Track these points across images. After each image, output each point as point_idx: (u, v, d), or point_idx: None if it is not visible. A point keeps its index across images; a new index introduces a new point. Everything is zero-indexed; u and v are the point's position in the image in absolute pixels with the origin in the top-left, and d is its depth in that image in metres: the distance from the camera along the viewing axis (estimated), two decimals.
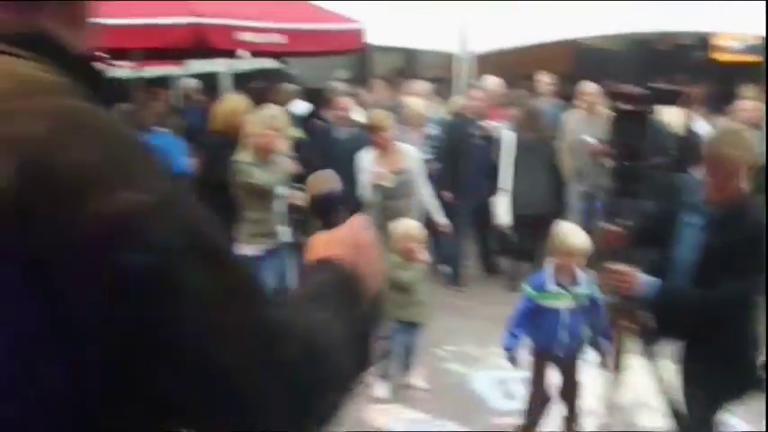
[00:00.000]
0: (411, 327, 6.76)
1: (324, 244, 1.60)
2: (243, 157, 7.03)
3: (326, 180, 1.70)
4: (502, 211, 9.87)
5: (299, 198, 7.04)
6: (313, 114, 10.66)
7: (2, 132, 1.09)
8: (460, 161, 9.59)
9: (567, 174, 10.10)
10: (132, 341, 1.11)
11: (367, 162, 7.87)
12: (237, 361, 1.20)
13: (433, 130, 10.04)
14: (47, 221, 1.06)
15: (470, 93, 10.31)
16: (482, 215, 10.24)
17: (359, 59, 17.44)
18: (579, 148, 9.93)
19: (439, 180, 8.77)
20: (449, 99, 11.97)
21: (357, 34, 11.12)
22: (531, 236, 9.59)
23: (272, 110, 7.42)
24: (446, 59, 15.93)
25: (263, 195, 6.96)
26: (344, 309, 1.44)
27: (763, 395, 4.79)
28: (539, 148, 9.84)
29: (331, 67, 15.75)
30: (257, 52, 11.20)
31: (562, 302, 5.79)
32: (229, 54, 10.82)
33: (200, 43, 8.86)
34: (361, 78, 16.85)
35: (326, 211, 1.72)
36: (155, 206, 1.13)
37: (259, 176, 6.92)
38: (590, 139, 9.77)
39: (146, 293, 1.10)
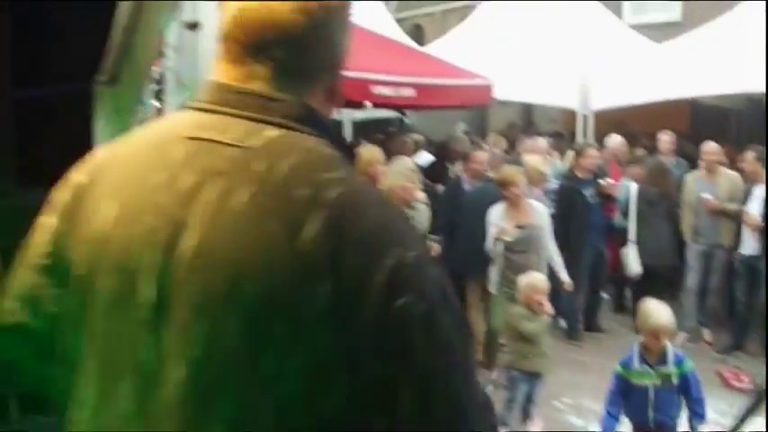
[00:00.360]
0: (533, 377, 6.93)
1: None
2: None
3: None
4: (632, 261, 10.05)
5: (432, 248, 7.40)
6: (435, 166, 10.91)
7: (315, 197, 1.38)
8: (575, 219, 9.70)
9: (685, 232, 10.19)
10: (392, 369, 1.37)
11: (494, 216, 8.11)
12: (466, 393, 1.44)
13: (553, 185, 10.22)
14: (347, 270, 1.34)
15: (587, 151, 10.36)
16: (594, 273, 10.36)
17: (476, 112, 17.67)
18: (698, 206, 10.02)
19: (557, 240, 8.88)
20: (565, 154, 12.17)
21: (485, 90, 11.32)
22: (649, 289, 9.76)
23: (408, 162, 7.77)
24: (561, 114, 16.08)
25: None
26: None
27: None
28: (662, 202, 10.00)
29: (445, 118, 16.03)
30: (385, 105, 11.53)
31: (649, 380, 5.93)
32: (354, 104, 11.20)
33: None
34: (478, 131, 17.11)
35: None
36: (419, 260, 1.41)
37: None
38: (709, 197, 9.87)
39: (412, 329, 1.36)
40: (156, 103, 5.86)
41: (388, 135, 13.30)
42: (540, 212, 8.27)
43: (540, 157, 10.48)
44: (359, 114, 14.76)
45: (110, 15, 4.92)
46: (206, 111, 1.56)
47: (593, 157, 10.28)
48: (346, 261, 1.35)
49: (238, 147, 1.46)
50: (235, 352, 1.37)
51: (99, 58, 5.30)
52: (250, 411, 1.37)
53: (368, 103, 10.34)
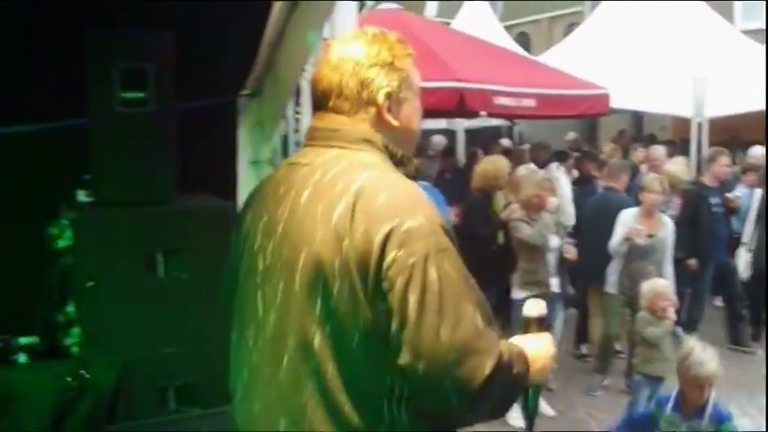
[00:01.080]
0: (656, 381, 6.97)
1: (528, 342, 2.41)
2: (515, 214, 7.69)
3: (539, 306, 2.52)
4: (743, 265, 10.06)
5: (570, 252, 7.67)
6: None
7: (344, 189, 2.11)
8: (701, 227, 9.63)
9: None
10: (387, 304, 2.03)
11: (627, 218, 8.19)
12: (436, 325, 2.00)
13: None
14: (359, 235, 2.04)
15: (719, 158, 10.14)
16: (722, 281, 10.26)
17: (586, 120, 17.67)
18: None
19: (680, 246, 8.81)
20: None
21: (603, 99, 11.38)
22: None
23: (540, 171, 8.02)
24: (672, 121, 15.99)
25: (533, 248, 7.49)
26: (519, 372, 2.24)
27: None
28: None
29: (556, 127, 16.10)
30: (505, 115, 11.68)
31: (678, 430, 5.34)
32: (468, 114, 11.41)
33: (460, 106, 9.40)
34: (589, 139, 17.13)
35: (538, 328, 2.53)
36: (411, 227, 2.03)
37: (526, 231, 7.49)
38: None
39: (398, 275, 2.01)
40: (296, 116, 6.10)
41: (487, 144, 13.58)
42: (668, 226, 8.33)
43: (682, 166, 10.51)
44: (471, 123, 14.96)
45: (258, 32, 5.19)
46: (305, 146, 2.40)
47: (724, 164, 10.12)
48: (359, 229, 2.04)
49: (307, 165, 2.27)
50: (298, 300, 2.13)
51: (246, 73, 5.58)
52: (307, 341, 2.11)
53: (483, 113, 10.52)
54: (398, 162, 2.32)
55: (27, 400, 4.13)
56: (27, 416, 4.09)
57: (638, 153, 13.15)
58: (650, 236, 8.07)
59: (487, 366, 2.01)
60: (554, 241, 7.65)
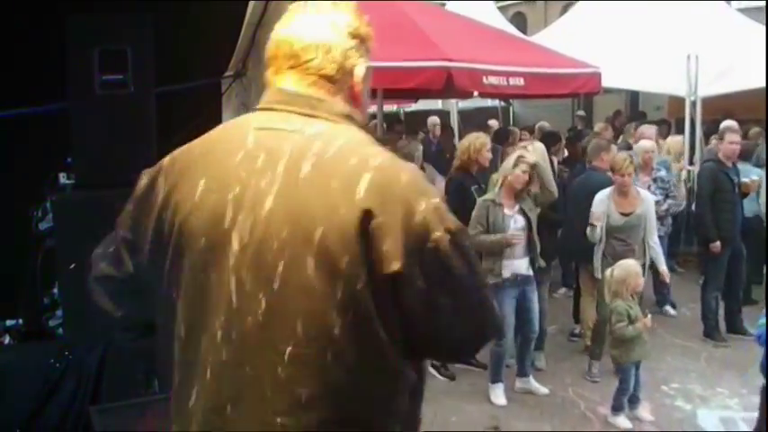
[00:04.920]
0: (638, 362, 6.99)
1: None
2: (489, 194, 7.47)
3: None
4: None
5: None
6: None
7: (363, 164, 1.92)
8: (720, 207, 9.21)
9: None
10: (435, 285, 1.93)
11: (598, 201, 8.12)
12: (487, 295, 2.13)
13: (659, 172, 10.15)
14: (392, 214, 1.86)
15: (729, 137, 9.53)
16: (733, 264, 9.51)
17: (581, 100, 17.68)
18: None
19: (699, 227, 8.76)
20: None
21: (594, 78, 11.33)
22: None
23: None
24: (668, 101, 16.01)
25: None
26: None
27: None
28: None
29: (544, 107, 16.13)
30: (495, 94, 11.66)
31: None
32: (462, 94, 11.40)
33: (449, 85, 9.30)
34: (584, 119, 17.13)
35: None
36: (440, 205, 1.94)
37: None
38: None
39: (447, 254, 1.92)
40: None
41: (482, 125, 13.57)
42: (646, 201, 8.23)
43: (651, 143, 10.42)
44: (464, 104, 14.97)
45: (240, 13, 5.20)
46: (271, 110, 2.09)
47: (732, 141, 9.47)
48: (391, 207, 1.86)
49: (296, 132, 2.00)
50: (310, 283, 1.85)
51: (228, 54, 5.60)
52: (323, 327, 1.86)
53: (475, 93, 10.48)
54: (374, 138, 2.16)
55: (12, 381, 4.17)
56: (13, 396, 4.13)
57: (635, 133, 13.17)
58: (625, 214, 8.04)
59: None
60: (519, 222, 7.34)
